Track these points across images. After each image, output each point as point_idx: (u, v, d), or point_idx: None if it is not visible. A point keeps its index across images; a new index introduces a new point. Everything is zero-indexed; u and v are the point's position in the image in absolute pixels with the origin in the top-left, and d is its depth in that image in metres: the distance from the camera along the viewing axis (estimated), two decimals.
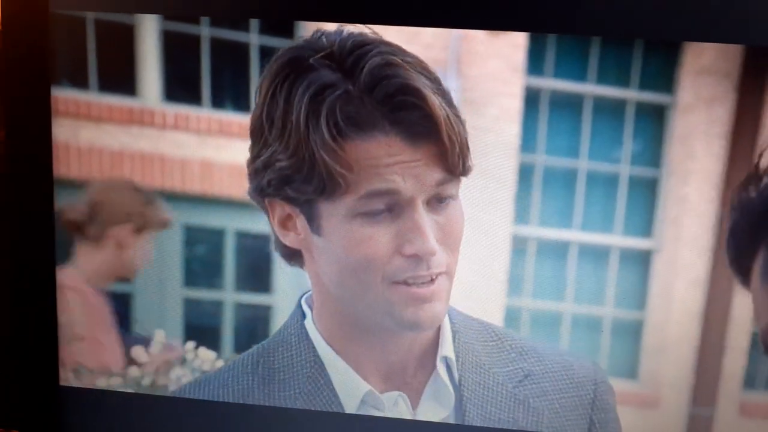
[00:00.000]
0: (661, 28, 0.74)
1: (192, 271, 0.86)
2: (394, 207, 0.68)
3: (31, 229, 0.87)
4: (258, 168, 0.70)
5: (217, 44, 0.81)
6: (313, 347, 0.74)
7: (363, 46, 0.68)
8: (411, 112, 0.66)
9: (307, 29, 0.77)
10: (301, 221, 0.71)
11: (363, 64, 0.66)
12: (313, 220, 0.70)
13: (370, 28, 0.70)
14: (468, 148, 0.69)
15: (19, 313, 0.88)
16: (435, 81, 0.69)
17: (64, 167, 0.85)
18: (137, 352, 0.87)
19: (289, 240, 0.72)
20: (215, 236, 0.85)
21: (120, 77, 0.83)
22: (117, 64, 0.82)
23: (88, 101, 0.83)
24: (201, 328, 0.86)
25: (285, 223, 0.72)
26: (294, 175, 0.68)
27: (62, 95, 0.84)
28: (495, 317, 0.81)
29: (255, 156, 0.70)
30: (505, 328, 0.78)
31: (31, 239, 0.87)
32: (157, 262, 0.86)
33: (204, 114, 0.82)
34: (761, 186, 0.70)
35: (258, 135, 0.70)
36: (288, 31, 0.79)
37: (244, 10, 0.79)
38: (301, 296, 0.76)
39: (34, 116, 0.84)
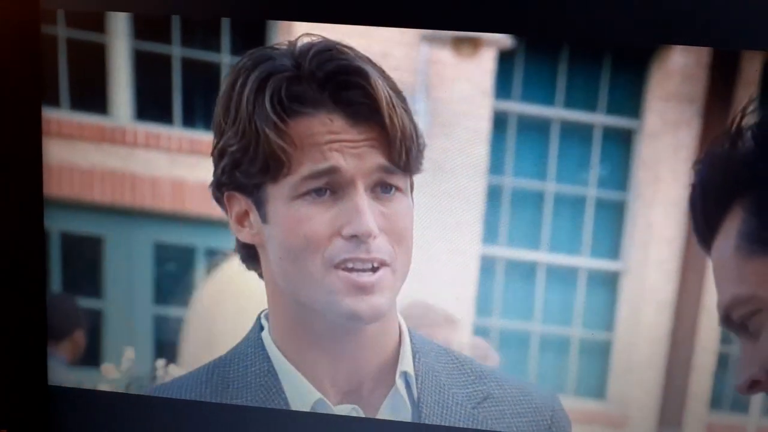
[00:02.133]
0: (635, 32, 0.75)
1: (162, 289, 0.86)
2: (336, 188, 0.69)
3: (22, 232, 0.87)
4: (215, 159, 0.72)
5: (187, 63, 0.81)
6: (268, 357, 0.74)
7: (321, 45, 0.70)
8: (354, 91, 0.68)
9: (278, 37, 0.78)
10: (254, 215, 0.72)
11: (312, 50, 0.69)
12: (261, 207, 0.71)
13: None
14: (413, 141, 0.70)
15: (8, 313, 0.88)
16: (388, 78, 0.70)
17: None
18: (107, 369, 0.87)
19: (244, 236, 0.73)
20: (186, 254, 0.85)
21: (91, 95, 0.83)
22: (88, 82, 0.83)
23: (59, 119, 0.84)
24: (171, 346, 0.87)
25: (241, 219, 0.73)
26: (242, 158, 0.69)
27: None
28: (463, 337, 0.82)
29: (213, 147, 0.72)
30: (465, 354, 0.78)
31: (22, 243, 0.87)
32: (127, 280, 0.86)
33: (175, 133, 0.83)
34: (740, 141, 0.66)
35: (217, 127, 0.72)
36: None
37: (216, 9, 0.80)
38: (261, 312, 0.77)
39: (23, 134, 0.84)
